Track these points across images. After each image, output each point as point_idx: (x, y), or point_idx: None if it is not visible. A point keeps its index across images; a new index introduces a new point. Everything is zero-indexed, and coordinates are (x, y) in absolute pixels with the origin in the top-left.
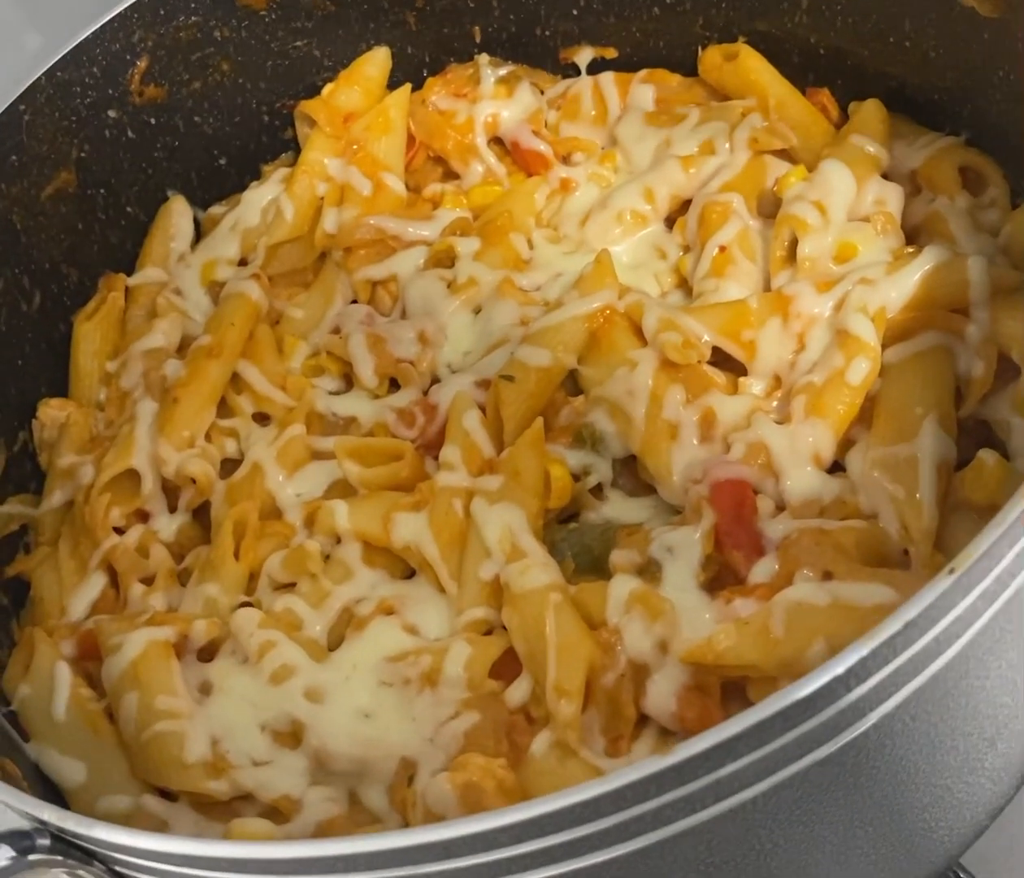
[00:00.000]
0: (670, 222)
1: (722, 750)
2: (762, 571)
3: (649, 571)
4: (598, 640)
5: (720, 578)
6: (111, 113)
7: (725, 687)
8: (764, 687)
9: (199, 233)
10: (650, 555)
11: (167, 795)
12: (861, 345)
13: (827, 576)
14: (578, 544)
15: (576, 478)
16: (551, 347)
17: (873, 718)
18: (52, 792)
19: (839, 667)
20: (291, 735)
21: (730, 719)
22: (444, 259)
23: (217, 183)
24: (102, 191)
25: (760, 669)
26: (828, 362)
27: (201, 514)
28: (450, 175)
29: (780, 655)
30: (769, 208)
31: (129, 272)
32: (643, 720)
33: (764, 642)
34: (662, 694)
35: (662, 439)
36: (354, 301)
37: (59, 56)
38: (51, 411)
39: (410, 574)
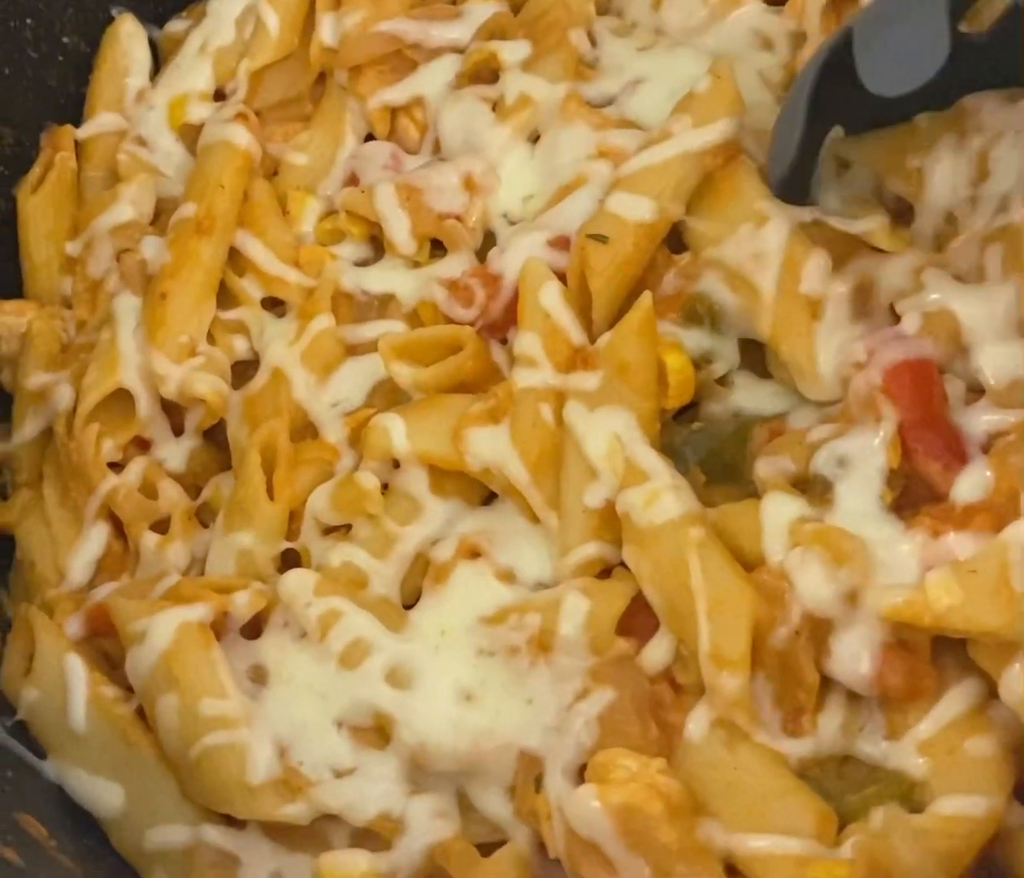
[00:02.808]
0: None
1: None
2: (970, 485)
3: (814, 488)
4: (760, 586)
5: (907, 493)
6: None
7: (936, 639)
8: (999, 652)
9: (157, 60)
10: (815, 471)
11: (231, 819)
12: None
13: None
14: (705, 448)
15: (696, 366)
16: (654, 195)
17: None
18: (83, 821)
19: None
20: (376, 731)
21: None
22: (483, 72)
23: None
24: (29, 21)
25: (999, 636)
26: None
27: (215, 431)
28: None
29: None
30: None
31: (76, 122)
32: (824, 682)
33: (1003, 600)
34: (853, 655)
35: (800, 318)
36: (370, 136)
37: None
38: (6, 318)
39: (490, 496)
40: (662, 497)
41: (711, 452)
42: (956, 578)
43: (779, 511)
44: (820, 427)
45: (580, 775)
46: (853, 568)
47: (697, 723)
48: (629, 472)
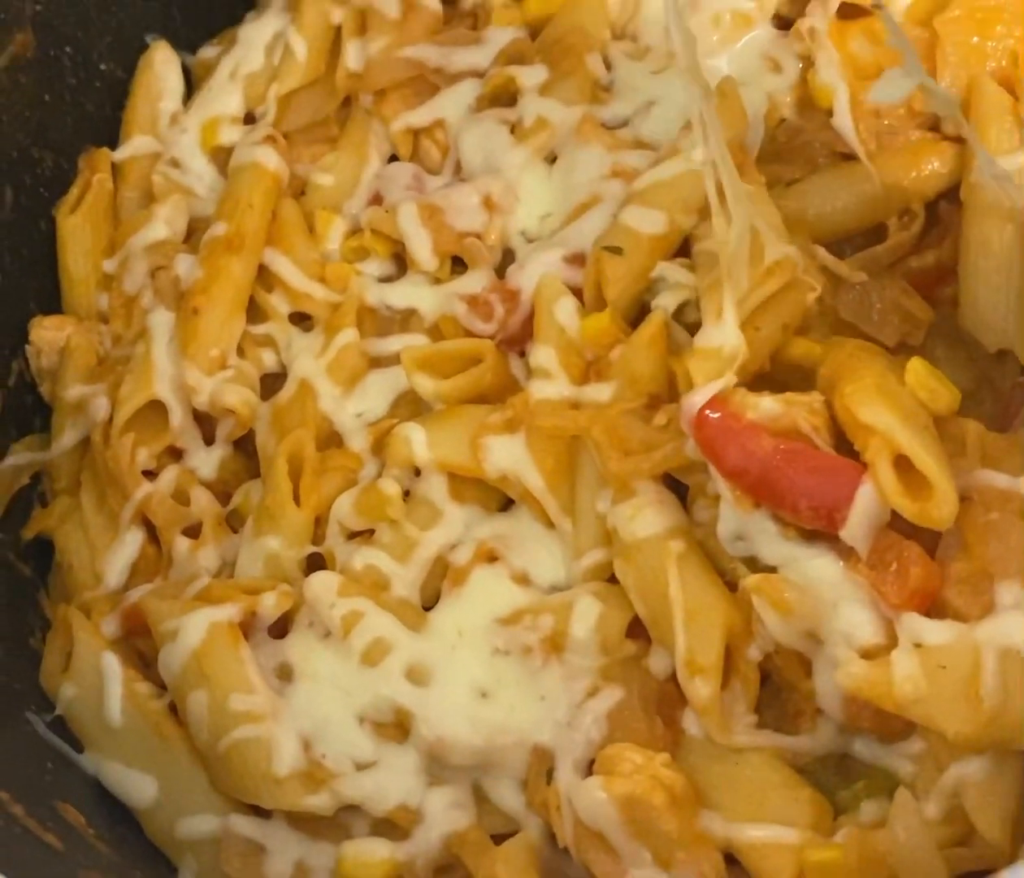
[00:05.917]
0: (782, 22)
1: None
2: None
3: None
4: (738, 600)
5: None
6: None
7: None
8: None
9: (190, 85)
10: None
11: (258, 809)
12: None
13: None
14: None
15: None
16: (664, 207)
17: None
18: (118, 811)
19: None
20: (396, 726)
21: None
22: (502, 95)
23: (205, 18)
24: (68, 49)
25: (960, 740)
26: None
27: (245, 441)
28: None
29: (993, 734)
30: None
31: (113, 145)
32: None
33: (971, 707)
34: (826, 693)
35: None
36: (393, 158)
37: None
38: (46, 333)
39: (507, 503)
40: (645, 511)
41: None
42: (924, 670)
43: None
44: None
45: (589, 769)
46: (799, 617)
47: (693, 720)
48: (619, 487)
